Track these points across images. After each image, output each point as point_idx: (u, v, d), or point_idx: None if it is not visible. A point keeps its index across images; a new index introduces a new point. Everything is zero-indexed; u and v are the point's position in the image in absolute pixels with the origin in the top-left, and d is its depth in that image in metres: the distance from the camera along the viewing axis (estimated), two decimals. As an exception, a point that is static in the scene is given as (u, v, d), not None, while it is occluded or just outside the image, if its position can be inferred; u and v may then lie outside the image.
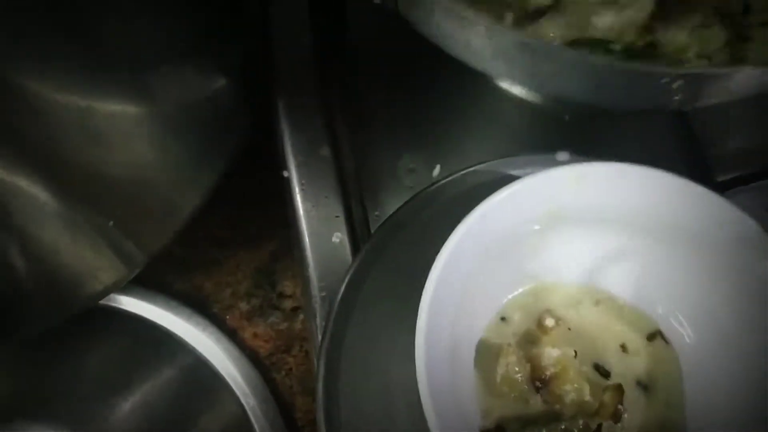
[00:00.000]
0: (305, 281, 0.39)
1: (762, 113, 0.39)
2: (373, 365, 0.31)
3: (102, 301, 0.48)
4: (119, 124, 0.37)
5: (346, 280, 0.32)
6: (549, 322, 0.29)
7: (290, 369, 0.48)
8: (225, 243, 0.52)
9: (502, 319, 0.30)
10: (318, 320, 0.37)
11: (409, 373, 0.26)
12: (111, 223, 0.38)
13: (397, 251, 0.32)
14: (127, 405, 0.48)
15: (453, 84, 0.45)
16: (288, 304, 0.50)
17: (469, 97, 0.45)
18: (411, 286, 0.28)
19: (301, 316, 0.49)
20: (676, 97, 0.30)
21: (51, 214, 0.36)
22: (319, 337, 0.32)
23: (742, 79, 0.29)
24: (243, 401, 0.47)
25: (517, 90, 0.44)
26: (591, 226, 0.30)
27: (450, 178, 0.34)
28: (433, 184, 0.34)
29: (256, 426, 0.46)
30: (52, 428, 0.46)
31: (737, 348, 0.29)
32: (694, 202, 0.29)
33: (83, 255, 0.39)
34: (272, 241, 0.52)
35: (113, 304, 0.48)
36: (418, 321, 0.27)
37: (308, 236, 0.39)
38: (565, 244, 0.30)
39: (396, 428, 0.30)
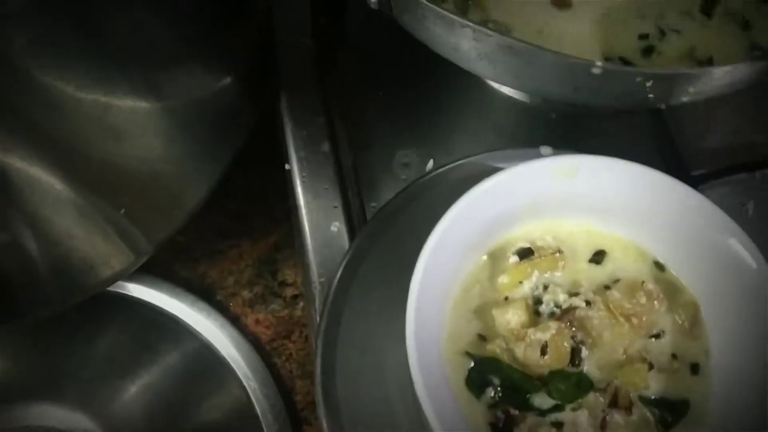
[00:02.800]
0: (305, 268, 0.42)
1: (733, 111, 0.41)
2: (369, 346, 0.33)
3: (110, 288, 0.50)
4: (132, 119, 0.39)
5: (343, 264, 0.34)
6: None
7: (290, 354, 0.51)
8: (229, 234, 0.54)
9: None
10: (317, 305, 0.39)
11: (403, 354, 0.28)
12: (122, 211, 0.40)
13: (391, 238, 0.34)
14: (134, 388, 0.50)
15: (446, 84, 0.47)
16: (289, 292, 0.53)
17: (461, 96, 0.47)
18: (404, 270, 0.30)
19: (301, 304, 0.52)
20: (651, 96, 0.32)
21: (66, 202, 0.38)
22: (318, 320, 0.34)
23: (710, 79, 0.31)
24: (245, 384, 0.49)
25: (506, 89, 0.46)
26: (571, 217, 0.32)
27: (439, 171, 0.36)
28: (424, 176, 0.36)
29: (257, 408, 0.48)
30: (61, 409, 0.48)
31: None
32: (672, 195, 0.31)
33: (95, 242, 0.41)
34: (274, 232, 0.54)
35: (121, 291, 0.50)
36: (407, 307, 0.28)
37: (308, 225, 0.42)
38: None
39: (390, 406, 0.33)
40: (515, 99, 0.46)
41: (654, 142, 0.43)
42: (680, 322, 0.31)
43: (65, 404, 0.48)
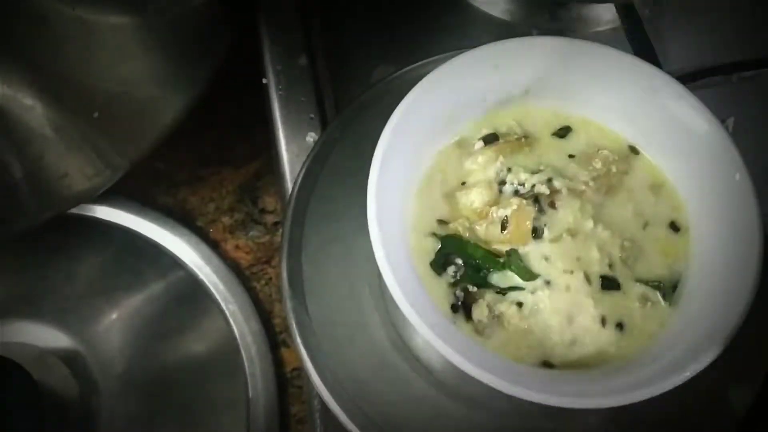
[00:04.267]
0: (280, 178, 0.42)
1: (713, 23, 0.41)
2: (337, 233, 0.33)
3: (91, 213, 0.50)
4: (106, 33, 0.39)
5: (312, 155, 0.34)
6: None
7: (270, 279, 0.51)
8: (210, 162, 0.54)
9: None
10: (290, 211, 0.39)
11: (370, 241, 0.28)
12: (96, 115, 0.39)
13: (362, 128, 0.34)
14: (113, 312, 0.50)
15: (429, 2, 0.47)
16: (269, 219, 0.52)
17: (442, 14, 0.47)
18: (371, 160, 0.30)
19: (281, 230, 0.51)
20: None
21: (32, 109, 0.38)
22: (287, 209, 0.34)
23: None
24: (224, 307, 0.49)
25: (487, 7, 0.46)
26: (542, 102, 0.32)
27: (414, 66, 0.36)
28: (397, 71, 0.36)
29: (236, 331, 0.48)
30: (39, 326, 0.48)
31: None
32: (636, 74, 0.31)
33: (68, 148, 0.41)
34: (256, 161, 0.54)
35: (101, 216, 0.50)
36: (368, 185, 0.28)
37: (283, 136, 0.42)
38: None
39: (357, 291, 0.32)
40: (495, 17, 0.46)
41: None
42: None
43: (43, 322, 0.48)
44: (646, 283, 0.29)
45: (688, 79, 0.38)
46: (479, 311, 0.28)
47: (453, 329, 0.27)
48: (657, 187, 0.30)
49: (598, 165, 0.29)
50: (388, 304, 0.30)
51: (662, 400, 0.25)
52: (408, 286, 0.27)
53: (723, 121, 0.42)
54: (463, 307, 0.29)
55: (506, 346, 0.28)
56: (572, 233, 0.29)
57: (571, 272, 0.29)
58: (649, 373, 0.26)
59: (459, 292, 0.29)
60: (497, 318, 0.28)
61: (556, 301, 0.29)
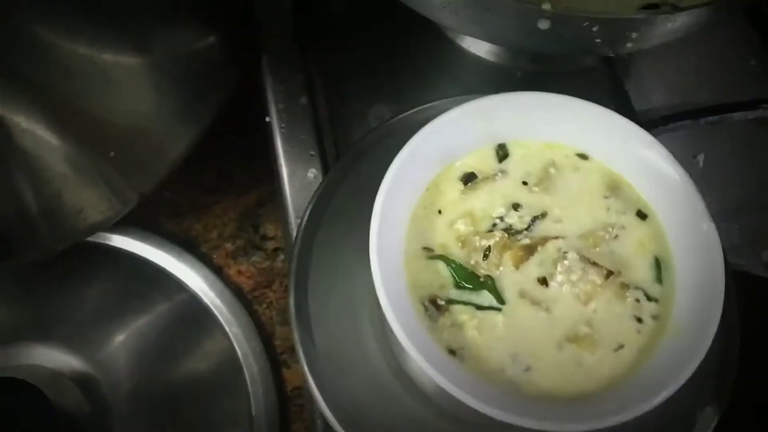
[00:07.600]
0: (282, 212, 0.44)
1: (681, 66, 0.45)
2: (339, 268, 0.36)
3: (100, 240, 0.53)
4: (119, 74, 0.41)
5: (316, 196, 0.37)
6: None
7: (271, 302, 0.53)
8: (213, 190, 0.57)
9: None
10: (293, 237, 0.42)
11: (369, 277, 0.31)
12: (112, 154, 0.42)
13: (361, 173, 0.37)
14: (122, 333, 0.52)
15: (420, 44, 0.50)
16: (270, 245, 0.55)
17: (434, 56, 0.50)
18: (371, 201, 0.33)
19: (282, 256, 0.54)
20: (598, 41, 0.35)
21: (57, 146, 0.41)
22: (293, 247, 0.37)
23: (651, 25, 0.34)
24: (227, 329, 0.51)
25: (474, 49, 0.49)
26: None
27: (410, 112, 0.39)
28: (393, 118, 0.39)
29: (239, 352, 0.51)
30: (51, 350, 0.50)
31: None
32: (595, 115, 0.34)
33: (85, 185, 0.43)
34: (257, 189, 0.57)
35: (110, 243, 0.53)
36: (370, 230, 0.31)
37: (286, 172, 0.45)
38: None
39: (357, 322, 0.35)
40: (484, 58, 0.49)
41: (611, 97, 0.46)
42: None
43: (55, 346, 0.50)
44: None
45: (660, 122, 0.41)
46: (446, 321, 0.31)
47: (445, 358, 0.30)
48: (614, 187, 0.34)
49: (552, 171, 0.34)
50: (387, 333, 0.33)
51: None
52: (401, 305, 0.30)
53: (694, 157, 0.46)
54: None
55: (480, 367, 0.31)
56: (551, 257, 0.32)
57: (546, 306, 0.32)
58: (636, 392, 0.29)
59: (427, 303, 0.32)
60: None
61: (529, 323, 0.32)
